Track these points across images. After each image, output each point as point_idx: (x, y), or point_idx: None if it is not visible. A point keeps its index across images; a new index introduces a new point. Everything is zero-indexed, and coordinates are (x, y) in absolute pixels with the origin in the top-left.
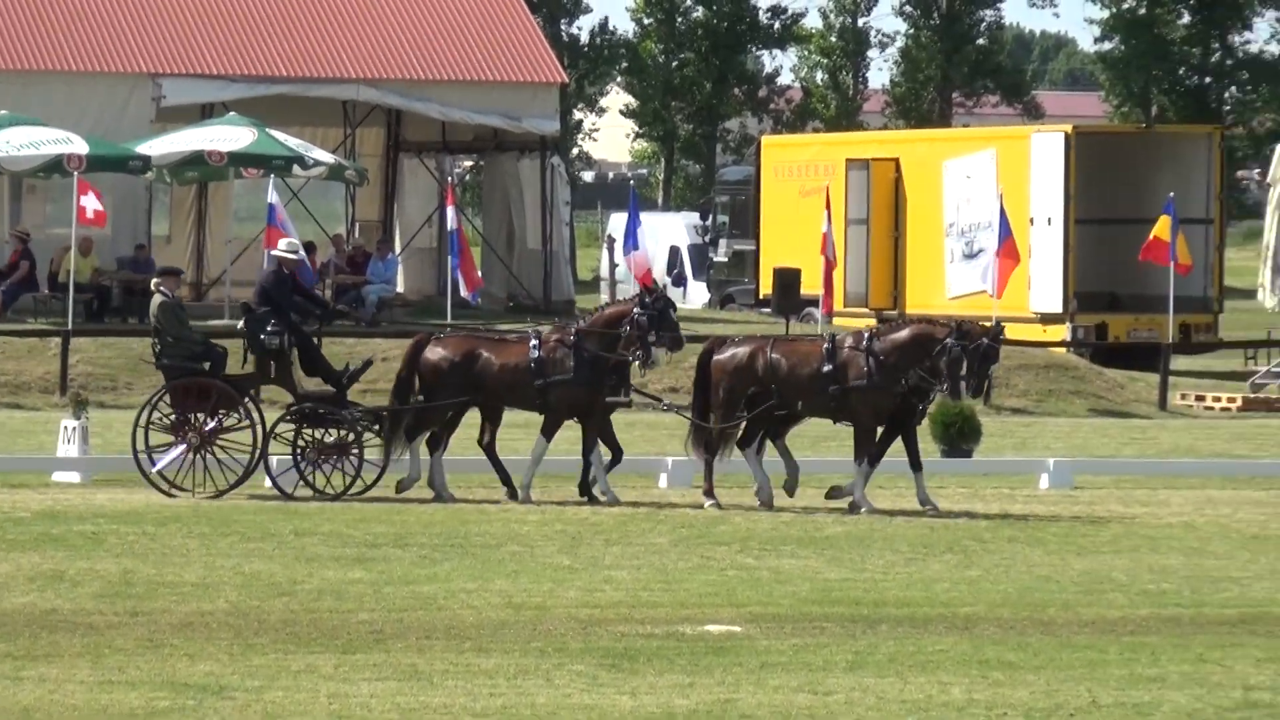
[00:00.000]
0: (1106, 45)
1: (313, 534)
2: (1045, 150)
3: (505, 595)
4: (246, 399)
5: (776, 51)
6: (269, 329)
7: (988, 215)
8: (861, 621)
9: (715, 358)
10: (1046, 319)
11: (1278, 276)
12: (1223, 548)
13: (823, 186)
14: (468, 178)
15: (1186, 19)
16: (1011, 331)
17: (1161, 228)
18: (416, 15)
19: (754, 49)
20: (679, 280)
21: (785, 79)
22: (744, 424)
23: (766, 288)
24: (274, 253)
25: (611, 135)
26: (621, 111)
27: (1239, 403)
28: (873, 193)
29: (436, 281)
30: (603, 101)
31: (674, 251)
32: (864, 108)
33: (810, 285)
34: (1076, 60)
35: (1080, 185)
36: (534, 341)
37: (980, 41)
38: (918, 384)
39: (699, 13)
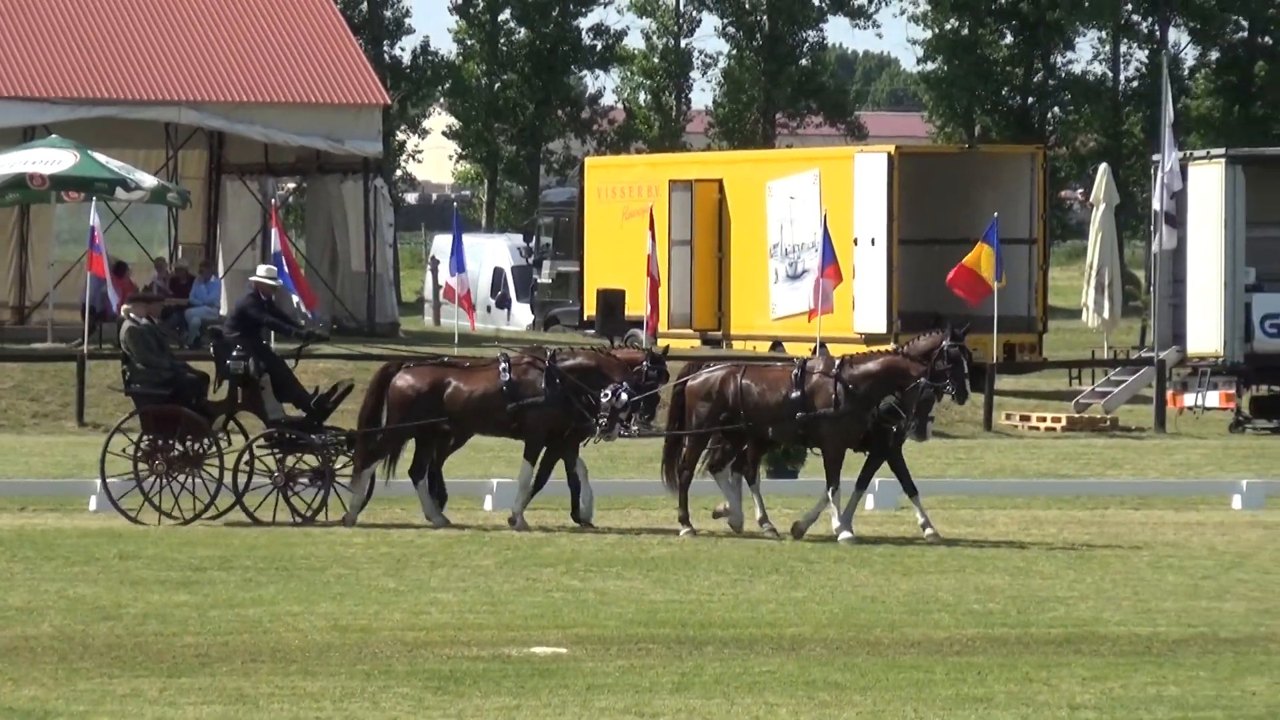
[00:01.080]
0: (929, 66)
1: (137, 558)
2: (868, 171)
3: (331, 618)
4: (215, 426)
5: (599, 72)
6: (234, 354)
7: (811, 236)
8: (688, 643)
9: (689, 383)
10: (870, 339)
11: (1101, 296)
12: (1049, 567)
13: (646, 208)
14: (290, 199)
15: (1009, 39)
16: (835, 351)
17: (972, 256)
18: (238, 37)
19: (577, 70)
20: (503, 302)
21: (608, 100)
22: (715, 448)
23: (590, 309)
24: (253, 278)
25: (435, 157)
26: (444, 133)
27: (1063, 422)
28: (696, 214)
29: None
30: (425, 123)
31: (498, 273)
32: (687, 129)
33: (634, 306)
34: (900, 81)
35: (904, 205)
36: (504, 365)
37: (803, 62)
38: (889, 411)
39: (521, 34)
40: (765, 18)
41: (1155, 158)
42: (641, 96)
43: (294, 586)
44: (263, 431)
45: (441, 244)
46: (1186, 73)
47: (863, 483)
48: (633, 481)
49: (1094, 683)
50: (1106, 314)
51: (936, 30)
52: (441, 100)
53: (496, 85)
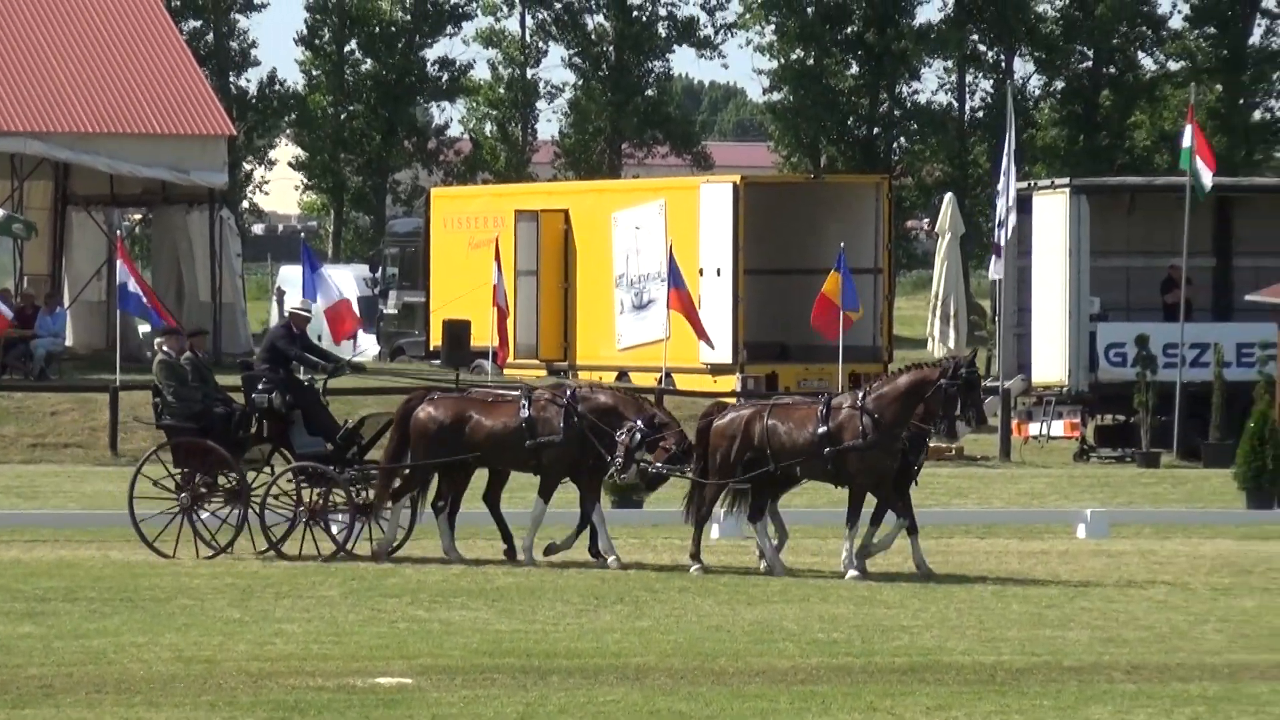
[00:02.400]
0: (775, 96)
1: None
2: (714, 201)
3: (175, 649)
4: (242, 460)
5: (445, 103)
6: (259, 388)
7: (657, 266)
8: (532, 673)
9: (715, 423)
10: (716, 370)
11: (946, 326)
12: (893, 596)
13: (492, 238)
14: (136, 230)
15: (855, 70)
16: (681, 382)
17: (830, 288)
18: (84, 68)
19: (423, 101)
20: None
21: (455, 131)
22: (746, 492)
23: (436, 339)
24: (288, 309)
25: (281, 187)
26: (291, 164)
27: None
28: (542, 244)
29: (105, 335)
30: (272, 154)
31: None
32: (534, 159)
33: (480, 337)
34: (746, 111)
35: (749, 236)
36: (524, 401)
37: (649, 93)
38: (911, 437)
39: (368, 65)
40: (611, 48)
41: (998, 187)
42: (488, 127)
43: (139, 617)
44: (288, 466)
45: (288, 274)
46: (1032, 102)
47: (876, 518)
48: (474, 512)
49: (938, 711)
50: (952, 343)
51: (782, 60)
52: (288, 131)
53: (343, 116)
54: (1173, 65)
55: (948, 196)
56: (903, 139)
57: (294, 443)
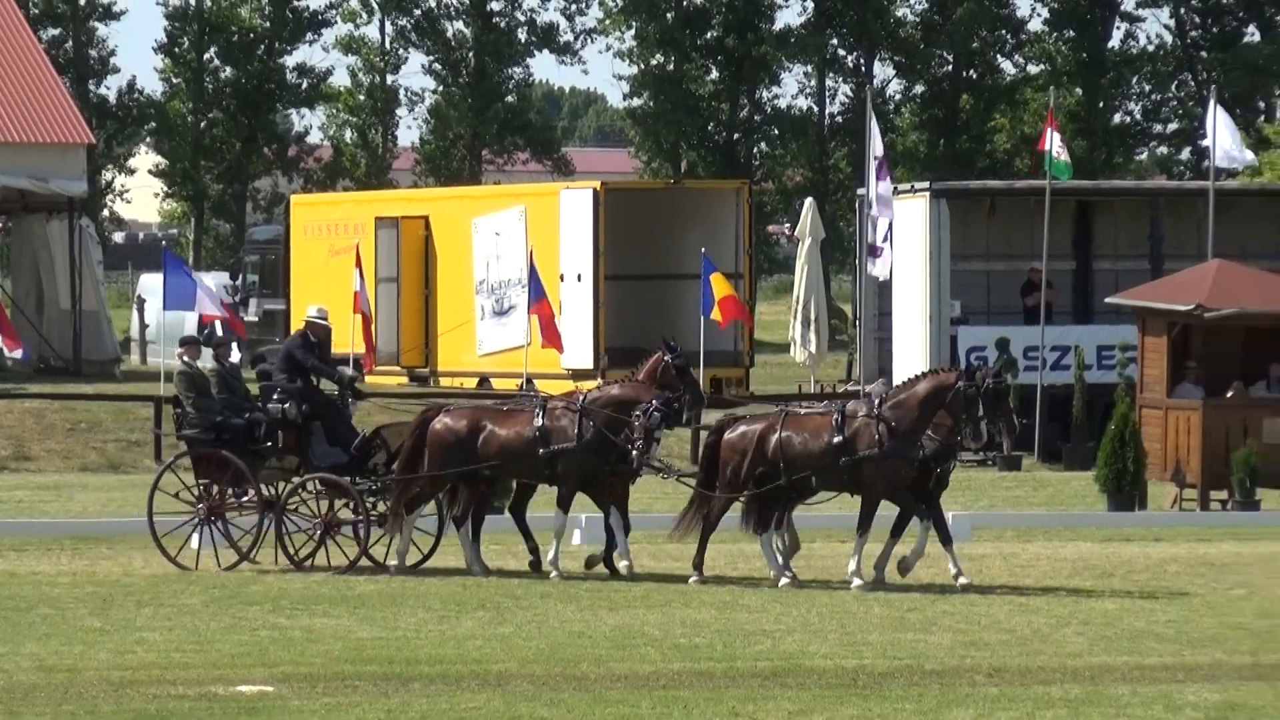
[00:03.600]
0: (636, 102)
1: None
2: (574, 207)
3: (36, 658)
4: (260, 471)
5: (305, 110)
6: (274, 398)
7: (518, 272)
8: (394, 680)
9: (726, 436)
10: (578, 375)
11: (808, 330)
12: (755, 601)
13: (352, 245)
14: None
15: (715, 75)
16: (544, 388)
17: (720, 286)
18: None
19: (283, 108)
20: (209, 340)
21: (315, 138)
22: (754, 505)
23: None
24: (307, 317)
25: (141, 195)
26: (151, 171)
27: None
28: (402, 251)
29: None
30: (132, 162)
31: None
32: (394, 166)
33: (340, 344)
34: (607, 117)
35: (610, 241)
36: (538, 410)
37: (510, 99)
38: (937, 448)
39: (227, 72)
40: (472, 54)
41: (860, 192)
42: (348, 134)
43: None
44: (304, 477)
45: (149, 282)
46: (892, 107)
47: (896, 530)
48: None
49: (800, 716)
50: (814, 348)
51: (642, 66)
52: (148, 139)
53: (203, 124)
54: (1032, 69)
55: (808, 201)
56: (763, 144)
57: (313, 453)
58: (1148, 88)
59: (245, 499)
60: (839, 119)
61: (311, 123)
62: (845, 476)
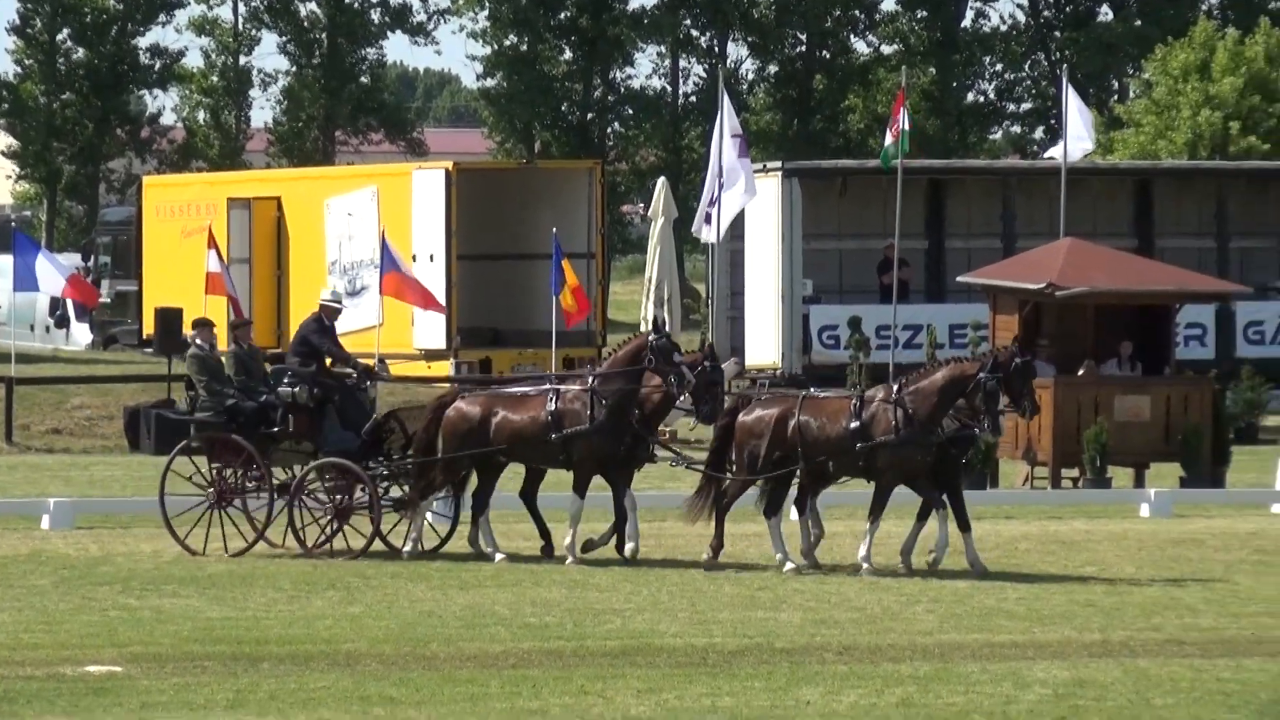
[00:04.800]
0: (489, 82)
1: None
2: (426, 187)
3: None
4: (270, 455)
5: (158, 92)
6: (285, 381)
7: (370, 253)
8: (243, 660)
9: (741, 419)
10: (430, 355)
11: (661, 310)
12: (605, 580)
13: (204, 226)
14: None
15: (569, 55)
16: (396, 369)
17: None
18: None
19: (136, 90)
20: (62, 321)
21: (168, 119)
22: (766, 488)
23: (150, 328)
24: (321, 300)
25: None
26: (3, 153)
27: None
28: (255, 232)
29: None
30: None
31: None
32: (248, 147)
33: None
34: (461, 98)
35: (462, 221)
36: (552, 395)
37: (363, 80)
38: (955, 434)
39: (80, 54)
40: (324, 35)
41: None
42: (201, 115)
43: None
44: (315, 463)
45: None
46: (745, 87)
47: (922, 515)
48: (192, 499)
49: (649, 694)
50: (668, 327)
51: (496, 47)
52: (0, 121)
53: (55, 105)
54: (886, 49)
55: (660, 181)
56: (617, 124)
57: (326, 437)
58: (1001, 67)
59: (256, 483)
60: (692, 99)
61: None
62: (862, 462)
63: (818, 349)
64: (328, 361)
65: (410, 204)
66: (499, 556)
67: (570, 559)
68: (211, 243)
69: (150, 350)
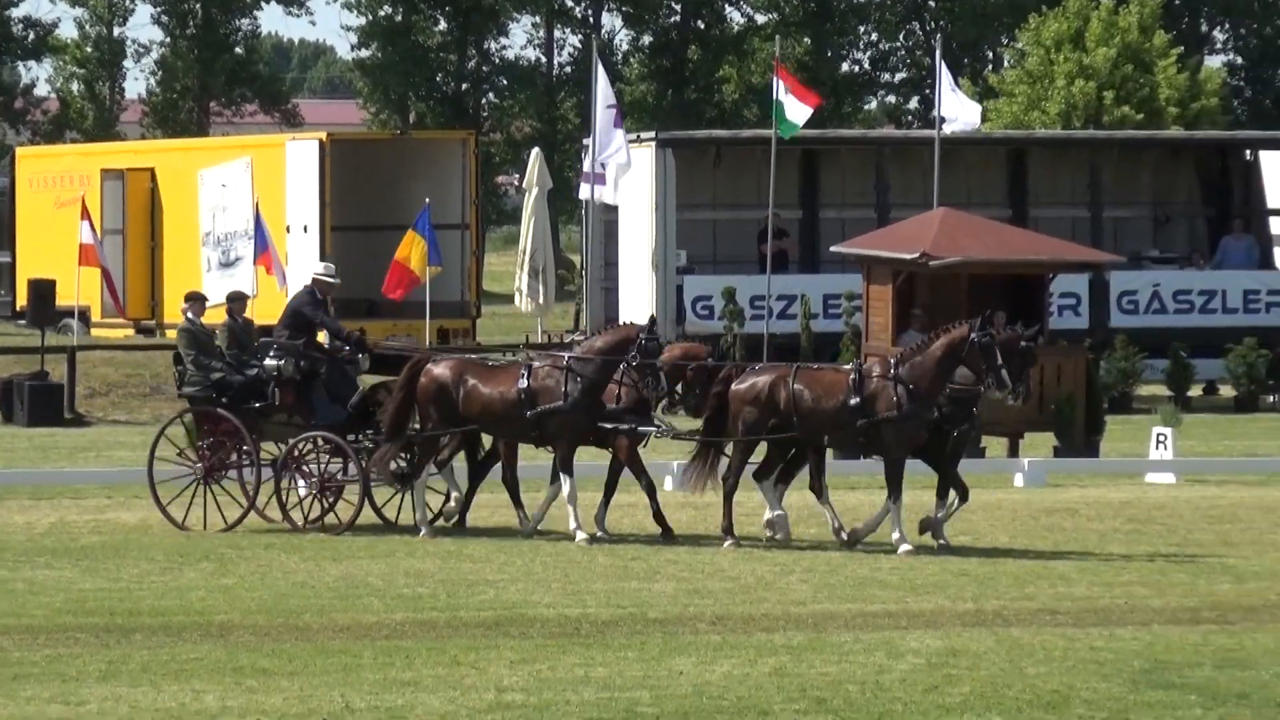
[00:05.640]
0: (364, 53)
1: None
2: (300, 158)
3: None
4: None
5: (32, 63)
6: (270, 355)
7: (244, 224)
8: (116, 631)
9: (734, 388)
10: None
11: (535, 281)
12: (479, 551)
13: (78, 197)
14: None
15: (443, 25)
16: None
17: (403, 250)
18: None
19: (9, 61)
20: None
21: (42, 90)
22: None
23: (23, 299)
24: (313, 274)
25: None
26: None
27: None
28: (129, 203)
29: None
30: None
31: None
32: (122, 118)
33: (65, 296)
34: (336, 68)
35: (336, 192)
36: (523, 370)
37: (238, 50)
38: (951, 411)
39: None
40: (199, 6)
41: (586, 142)
42: (75, 86)
43: None
44: (300, 436)
45: None
46: (620, 57)
47: (943, 493)
48: (65, 471)
49: (522, 665)
50: (541, 298)
51: (370, 17)
52: None
53: None
54: (760, 18)
55: (534, 151)
56: (492, 95)
57: (315, 411)
58: (876, 37)
59: (243, 457)
60: (567, 70)
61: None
62: (861, 438)
63: (692, 319)
64: (321, 336)
65: (284, 175)
66: (423, 531)
67: (581, 537)
68: (85, 214)
69: (23, 323)
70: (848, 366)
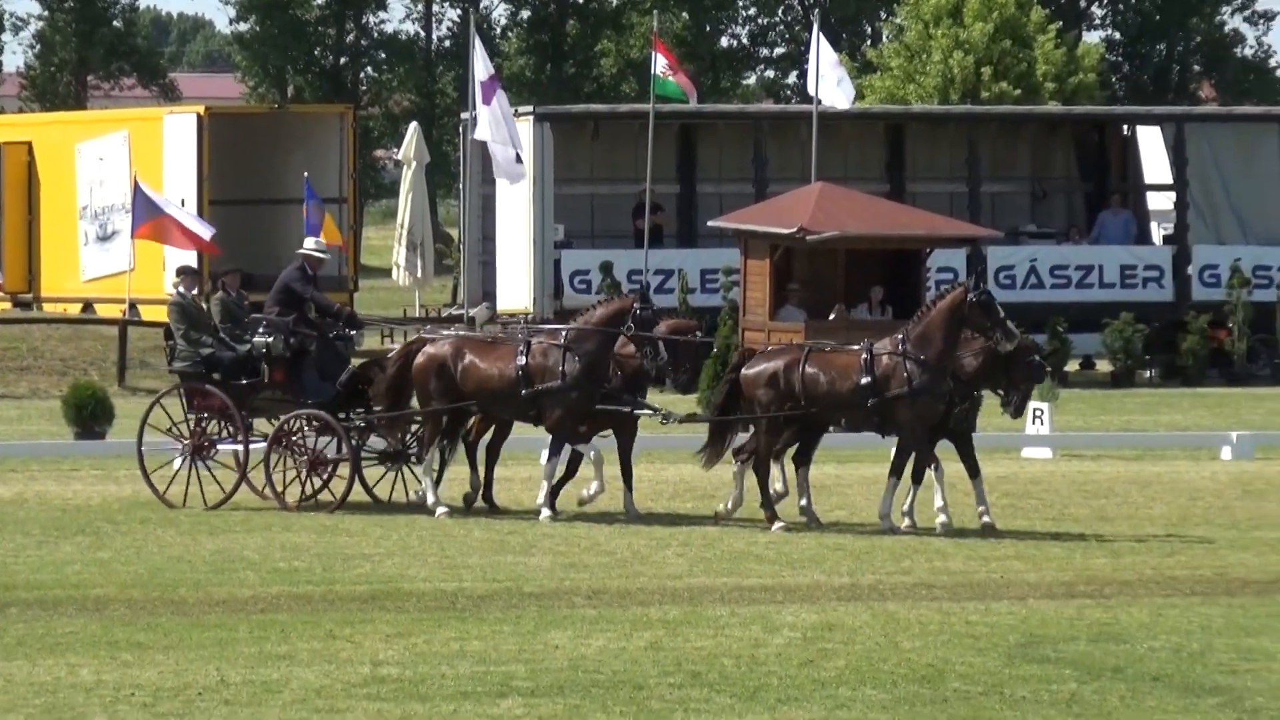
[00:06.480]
0: (243, 27)
1: None
2: (178, 132)
3: None
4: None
5: None
6: (259, 332)
7: (122, 197)
8: None
9: (745, 372)
10: None
11: (414, 255)
12: (355, 525)
13: None
14: None
15: (322, 0)
16: (147, 313)
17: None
18: None
19: None
20: None
21: None
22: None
23: None
24: (301, 250)
25: None
26: None
27: None
28: (5, 177)
29: None
30: None
31: None
32: (1, 92)
33: None
34: (214, 42)
35: (214, 166)
36: (521, 348)
37: (116, 24)
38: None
39: None
40: None
41: (464, 116)
42: None
43: None
44: (288, 414)
45: None
46: (498, 32)
47: (975, 471)
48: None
49: (398, 639)
50: (419, 272)
51: None
52: None
53: None
54: None
55: (412, 126)
56: (370, 69)
57: (305, 388)
58: (754, 11)
59: (230, 433)
60: (446, 44)
61: None
62: (875, 417)
63: (569, 294)
64: (312, 313)
65: (162, 149)
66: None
67: (545, 514)
68: None
69: None
70: (857, 346)
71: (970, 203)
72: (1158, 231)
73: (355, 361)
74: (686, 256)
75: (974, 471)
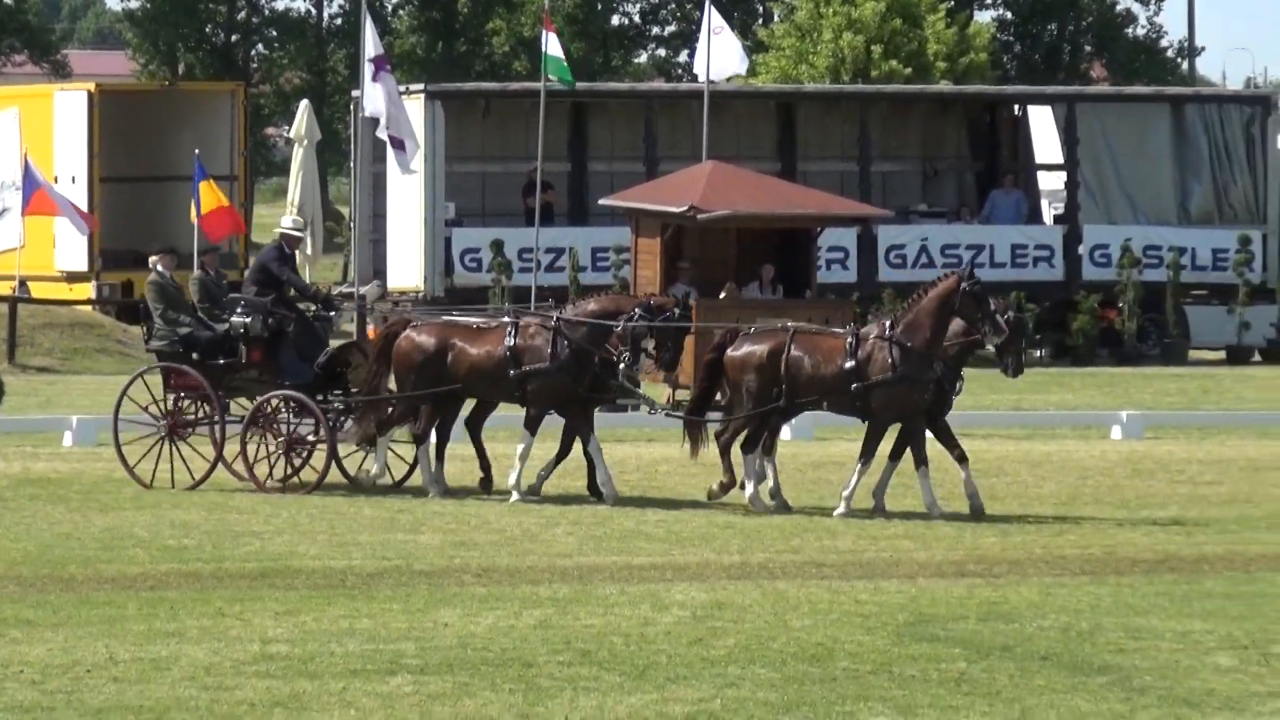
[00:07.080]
0: (133, 4)
1: None
2: (68, 108)
3: None
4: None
5: None
6: (238, 312)
7: (12, 175)
8: None
9: (730, 353)
10: (72, 277)
11: (303, 233)
12: (245, 503)
13: None
14: None
15: None
16: (37, 290)
17: (210, 197)
18: None
19: None
20: None
21: None
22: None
23: None
24: (278, 229)
25: None
26: None
27: None
28: None
29: None
30: None
31: None
32: None
33: None
34: (106, 19)
35: (105, 143)
36: (510, 329)
37: (7, 1)
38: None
39: None
40: None
41: (355, 94)
42: None
43: None
44: (265, 395)
45: None
46: (389, 9)
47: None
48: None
49: (287, 616)
50: (310, 250)
51: None
52: None
53: None
54: None
55: (303, 104)
56: (261, 46)
57: (284, 369)
58: None
59: (207, 414)
60: (337, 21)
61: None
62: (858, 402)
63: (460, 272)
64: (290, 292)
65: (52, 126)
66: (436, 489)
67: (515, 496)
68: None
69: None
70: (843, 330)
71: (861, 182)
72: (1049, 211)
73: (333, 343)
74: (578, 235)
75: (924, 460)
